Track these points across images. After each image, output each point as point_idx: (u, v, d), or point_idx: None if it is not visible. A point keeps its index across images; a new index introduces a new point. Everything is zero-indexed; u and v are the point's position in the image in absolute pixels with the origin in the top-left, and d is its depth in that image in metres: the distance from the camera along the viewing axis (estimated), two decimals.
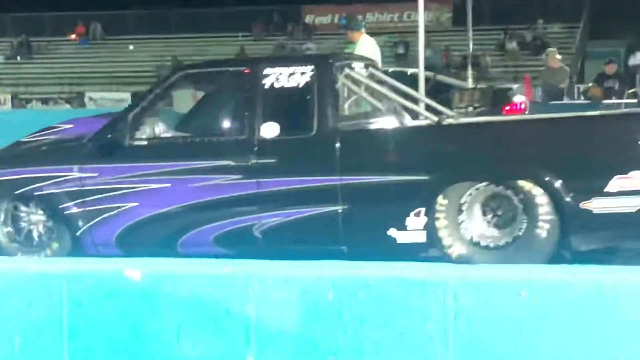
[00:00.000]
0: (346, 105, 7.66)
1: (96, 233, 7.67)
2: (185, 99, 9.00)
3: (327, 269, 4.61)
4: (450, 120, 7.57)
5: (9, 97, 33.99)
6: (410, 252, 6.91)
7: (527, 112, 12.46)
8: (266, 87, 7.52)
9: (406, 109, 8.03)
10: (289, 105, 7.61)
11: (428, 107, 8.46)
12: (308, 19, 38.94)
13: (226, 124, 7.95)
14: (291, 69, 7.55)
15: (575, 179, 6.81)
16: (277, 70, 7.56)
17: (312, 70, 7.50)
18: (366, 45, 10.86)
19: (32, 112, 30.37)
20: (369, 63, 8.58)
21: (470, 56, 12.83)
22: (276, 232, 7.29)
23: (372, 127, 7.74)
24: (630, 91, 16.10)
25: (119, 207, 7.60)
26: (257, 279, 4.49)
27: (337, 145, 7.23)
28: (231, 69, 8.30)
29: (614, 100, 14.79)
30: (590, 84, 19.49)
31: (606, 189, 6.67)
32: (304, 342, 4.43)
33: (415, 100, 8.73)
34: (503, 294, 4.18)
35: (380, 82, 8.31)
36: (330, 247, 7.15)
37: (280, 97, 7.56)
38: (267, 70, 7.58)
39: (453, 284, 4.23)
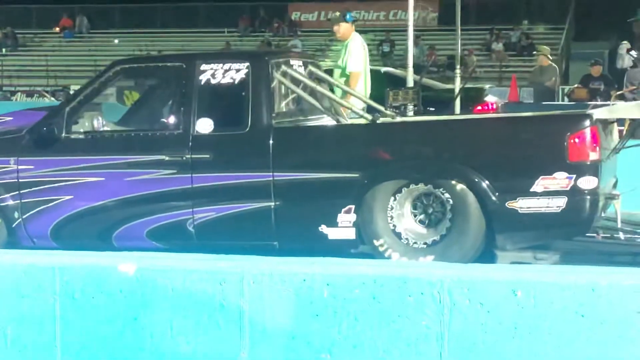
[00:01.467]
0: (281, 103, 7.75)
1: (31, 225, 7.75)
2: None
3: (322, 266, 4.60)
4: (384, 119, 7.67)
5: None
6: (341, 249, 7.02)
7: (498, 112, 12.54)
8: (202, 82, 7.60)
9: (342, 107, 8.14)
10: (223, 101, 7.74)
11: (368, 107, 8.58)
12: (294, 15, 38.92)
13: (162, 118, 8.04)
14: (227, 65, 7.64)
15: (502, 179, 6.91)
16: (213, 66, 7.64)
17: (247, 67, 7.58)
18: (357, 43, 10.85)
19: (16, 104, 30.21)
20: (309, 61, 8.67)
21: (459, 56, 12.77)
22: (209, 227, 7.38)
23: (306, 124, 7.84)
24: (618, 93, 16.19)
25: (54, 199, 7.67)
26: (252, 274, 4.49)
27: (270, 141, 7.31)
28: (167, 64, 8.30)
29: (599, 102, 14.84)
30: (575, 85, 19.57)
31: (532, 189, 6.78)
32: (298, 338, 4.43)
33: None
34: (498, 293, 4.19)
35: (319, 80, 8.39)
36: (263, 243, 7.25)
37: (216, 93, 7.68)
38: (203, 66, 7.65)
39: (448, 283, 4.24)
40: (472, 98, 14.52)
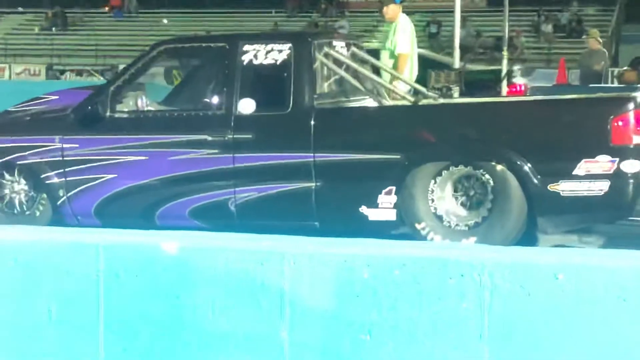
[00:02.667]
0: (323, 84, 7.77)
1: (75, 203, 7.88)
2: None
3: (363, 246, 4.60)
4: (426, 101, 7.66)
5: (43, 68, 34.15)
6: (381, 230, 7.08)
7: (527, 94, 12.43)
8: (244, 63, 7.66)
9: (385, 88, 8.13)
10: (266, 82, 7.81)
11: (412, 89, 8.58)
12: None
13: (204, 99, 8.08)
14: (269, 46, 7.69)
15: (544, 161, 6.91)
16: (256, 46, 7.67)
17: (290, 48, 7.64)
18: (405, 24, 10.82)
19: (65, 83, 30.49)
20: (352, 42, 8.69)
21: (506, 37, 12.70)
22: (250, 206, 7.45)
23: (348, 105, 7.85)
24: None
25: (97, 178, 7.77)
26: (293, 255, 4.49)
27: (312, 122, 7.35)
28: (210, 44, 8.39)
29: None
30: (624, 68, 19.36)
31: (574, 172, 6.77)
32: (338, 318, 4.43)
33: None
34: (539, 277, 4.16)
35: (362, 61, 8.40)
36: (303, 223, 7.30)
37: (258, 74, 7.75)
38: (245, 47, 7.69)
39: (489, 266, 4.21)
40: (490, 80, 14.40)
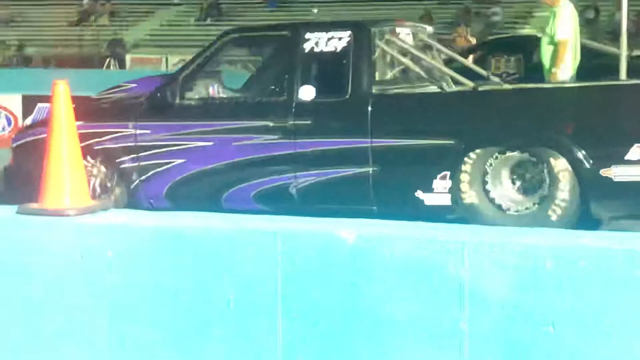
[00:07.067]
0: (382, 70, 7.93)
1: (148, 187, 8.18)
2: None
3: (545, 236, 4.53)
4: (486, 87, 7.80)
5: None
6: (437, 214, 7.13)
7: None
8: (306, 51, 7.94)
9: (445, 74, 8.20)
10: (326, 69, 8.10)
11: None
12: None
13: (267, 86, 8.40)
14: (330, 34, 7.94)
15: (596, 146, 6.92)
16: (317, 35, 7.91)
17: (349, 36, 7.82)
18: (567, 9, 10.58)
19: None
20: (419, 29, 8.81)
21: None
22: (311, 190, 7.69)
23: (405, 91, 7.95)
24: None
25: (168, 163, 8.08)
26: (473, 244, 4.43)
27: (369, 108, 7.50)
28: (274, 33, 8.67)
29: None
30: None
31: (626, 157, 6.75)
32: (520, 310, 4.35)
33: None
34: None
35: (427, 48, 8.52)
36: (361, 207, 7.39)
37: (319, 61, 8.06)
38: (307, 35, 7.92)
39: None
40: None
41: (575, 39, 10.55)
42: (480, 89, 7.67)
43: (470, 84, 7.76)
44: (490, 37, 22.57)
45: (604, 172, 6.83)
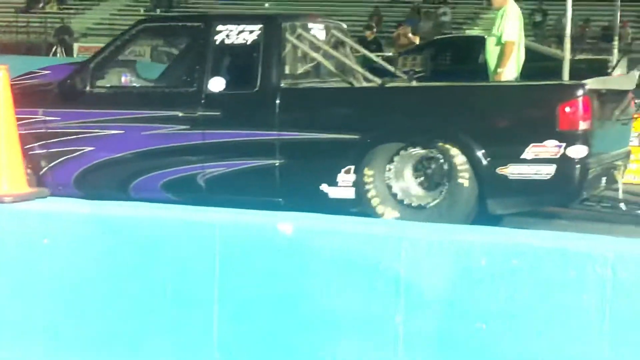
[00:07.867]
0: (293, 64, 8.02)
1: (57, 174, 8.12)
2: None
3: (481, 234, 4.57)
4: (393, 84, 7.99)
5: None
6: (341, 207, 7.27)
7: None
8: (217, 43, 7.96)
9: (355, 71, 8.34)
10: (236, 62, 8.16)
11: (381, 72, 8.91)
12: None
13: (178, 76, 8.42)
14: (241, 27, 7.95)
15: (493, 144, 7.15)
16: (229, 27, 7.93)
17: (260, 29, 7.83)
18: (513, 11, 10.69)
19: None
20: (332, 25, 8.94)
21: (617, 27, 12.44)
22: (218, 181, 7.77)
23: (313, 86, 8.07)
24: None
25: (77, 150, 8.02)
26: (410, 240, 4.46)
27: (277, 101, 7.59)
28: (187, 24, 8.71)
29: None
30: None
31: (522, 156, 7.00)
32: (454, 306, 4.39)
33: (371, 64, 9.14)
34: None
35: (339, 44, 8.66)
36: (268, 199, 7.52)
37: (229, 54, 8.14)
38: (219, 27, 7.95)
39: (612, 257, 4.13)
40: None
41: (520, 40, 10.68)
42: (387, 85, 7.82)
43: (377, 80, 7.91)
44: (437, 37, 22.74)
45: (500, 169, 7.02)
